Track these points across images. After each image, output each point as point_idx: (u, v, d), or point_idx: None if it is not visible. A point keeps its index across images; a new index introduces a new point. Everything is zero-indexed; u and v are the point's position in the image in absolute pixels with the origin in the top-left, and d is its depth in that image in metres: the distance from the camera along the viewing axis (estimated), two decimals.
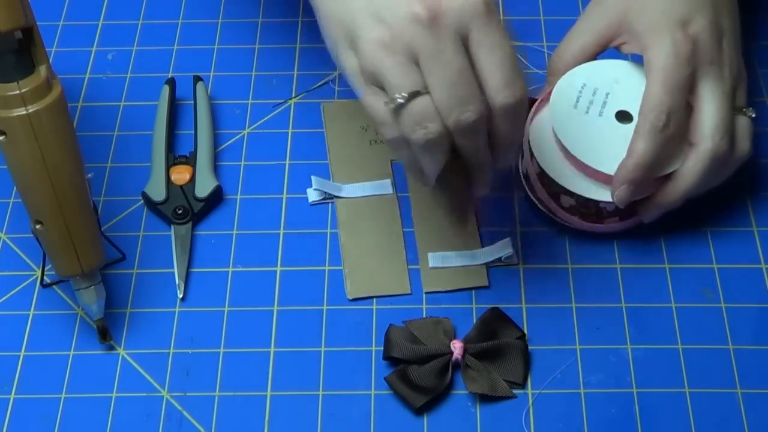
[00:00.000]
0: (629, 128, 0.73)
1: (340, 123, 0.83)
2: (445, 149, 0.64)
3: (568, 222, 0.76)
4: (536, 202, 0.77)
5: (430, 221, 0.78)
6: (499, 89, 0.62)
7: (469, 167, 0.68)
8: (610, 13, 0.75)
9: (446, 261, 0.76)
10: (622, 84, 0.75)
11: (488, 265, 0.76)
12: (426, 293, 0.75)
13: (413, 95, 0.62)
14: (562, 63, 0.77)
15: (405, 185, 0.80)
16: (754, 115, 0.74)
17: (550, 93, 0.76)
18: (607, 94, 0.75)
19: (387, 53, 0.62)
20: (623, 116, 0.74)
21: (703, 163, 0.71)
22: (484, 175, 0.69)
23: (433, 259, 0.76)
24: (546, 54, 0.87)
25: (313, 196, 0.80)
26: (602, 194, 0.73)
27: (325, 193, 0.79)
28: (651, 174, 0.71)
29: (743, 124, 0.73)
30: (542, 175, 0.75)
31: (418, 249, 0.77)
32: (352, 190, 0.80)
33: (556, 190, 0.75)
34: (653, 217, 0.74)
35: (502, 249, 0.75)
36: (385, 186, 0.80)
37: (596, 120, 0.74)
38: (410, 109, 0.62)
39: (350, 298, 0.74)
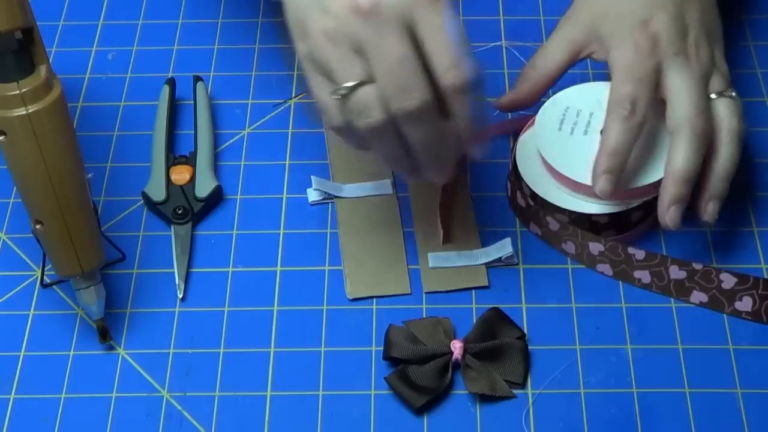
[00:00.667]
0: None
1: None
2: (391, 137, 0.65)
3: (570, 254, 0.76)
4: (538, 232, 0.77)
5: (430, 221, 0.78)
6: (446, 70, 0.63)
7: (423, 162, 0.67)
8: (579, 25, 0.77)
9: (446, 261, 0.76)
10: (605, 104, 0.76)
11: (488, 265, 0.76)
12: (426, 293, 0.75)
13: (356, 85, 0.63)
14: (534, 72, 0.78)
15: (405, 185, 0.80)
16: (734, 94, 0.74)
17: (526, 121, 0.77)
18: (591, 114, 0.76)
19: (331, 44, 0.63)
20: None
21: (684, 144, 0.71)
22: (443, 170, 0.69)
23: (433, 259, 0.76)
24: None
25: (313, 196, 0.80)
26: (593, 207, 0.74)
27: (325, 193, 0.79)
28: (625, 164, 0.71)
29: (725, 104, 0.73)
30: (533, 197, 0.75)
31: (418, 249, 0.77)
32: (352, 190, 0.80)
33: (551, 212, 0.75)
34: (675, 218, 0.72)
35: (502, 249, 0.75)
36: (385, 186, 0.80)
37: (581, 138, 0.75)
38: (354, 99, 0.63)
39: (350, 298, 0.74)
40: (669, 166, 0.71)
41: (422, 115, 0.63)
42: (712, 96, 0.73)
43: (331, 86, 0.64)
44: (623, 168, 0.72)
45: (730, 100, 0.74)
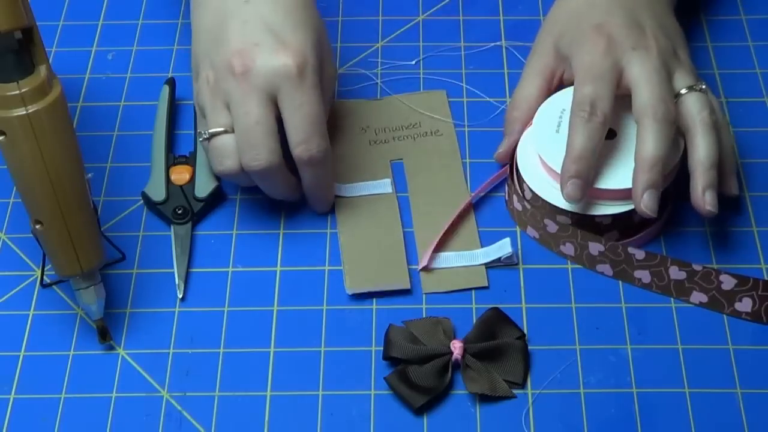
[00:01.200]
0: (613, 143, 0.75)
1: (339, 122, 0.83)
2: (251, 181, 0.75)
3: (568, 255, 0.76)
4: (537, 237, 0.77)
5: (429, 221, 0.78)
6: (297, 144, 0.72)
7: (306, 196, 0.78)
8: (544, 53, 0.79)
9: (445, 261, 0.76)
10: None
11: (487, 266, 0.76)
12: (425, 294, 0.75)
13: (218, 133, 0.73)
14: (518, 111, 0.79)
15: (404, 185, 0.80)
16: (704, 87, 0.74)
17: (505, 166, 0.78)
18: None
19: (210, 92, 0.73)
20: (607, 133, 0.75)
21: (648, 130, 0.71)
22: (319, 206, 0.79)
23: (434, 260, 0.76)
24: None
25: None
26: (596, 209, 0.74)
27: None
28: (592, 167, 0.72)
29: (695, 97, 0.74)
30: (535, 200, 0.75)
31: (417, 249, 0.77)
32: (352, 189, 0.80)
33: (549, 214, 0.75)
34: (650, 204, 0.72)
35: (501, 249, 0.75)
36: (385, 185, 0.80)
37: None
38: (213, 144, 0.73)
39: (349, 293, 0.74)
40: (637, 153, 0.72)
41: (268, 175, 0.73)
42: (683, 91, 0.74)
43: (202, 128, 0.74)
44: (590, 171, 0.72)
45: (699, 93, 0.74)
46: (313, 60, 0.72)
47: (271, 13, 0.73)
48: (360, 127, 0.83)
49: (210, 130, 0.73)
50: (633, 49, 0.73)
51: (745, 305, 0.72)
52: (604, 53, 0.73)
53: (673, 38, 0.77)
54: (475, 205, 0.79)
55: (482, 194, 0.79)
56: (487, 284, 0.75)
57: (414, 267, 0.76)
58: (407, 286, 0.74)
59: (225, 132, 0.73)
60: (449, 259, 0.76)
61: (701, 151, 0.73)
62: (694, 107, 0.73)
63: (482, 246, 0.76)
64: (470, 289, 0.75)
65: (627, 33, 0.74)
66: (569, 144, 0.72)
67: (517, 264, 0.76)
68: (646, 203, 0.71)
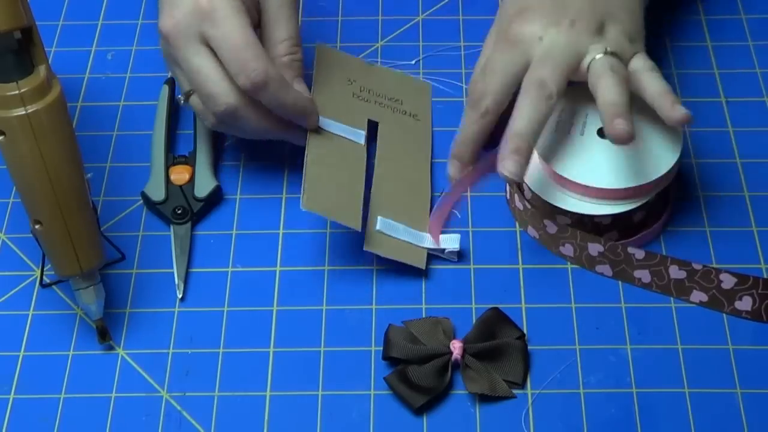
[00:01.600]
0: (611, 143, 0.74)
1: (328, 69, 0.83)
2: (243, 126, 0.76)
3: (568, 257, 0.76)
4: (537, 238, 0.77)
5: (389, 188, 0.78)
6: (236, 76, 0.72)
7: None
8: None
9: (392, 230, 0.76)
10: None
11: (431, 251, 0.76)
12: (365, 250, 0.74)
13: (186, 98, 0.76)
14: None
15: (373, 151, 0.80)
16: (612, 51, 0.74)
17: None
18: (587, 114, 0.76)
19: (169, 61, 0.76)
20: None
21: (526, 104, 0.72)
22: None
23: (381, 223, 0.75)
24: None
25: None
26: (596, 209, 0.74)
27: None
28: (533, 144, 0.72)
29: (600, 62, 0.73)
30: (535, 200, 0.75)
31: (371, 209, 0.76)
32: (328, 123, 0.79)
33: (549, 214, 0.75)
34: (623, 134, 0.71)
35: (448, 242, 0.75)
36: (359, 135, 0.79)
37: (579, 139, 0.75)
38: (191, 105, 0.77)
39: (303, 209, 0.72)
40: (598, 99, 0.71)
41: (236, 114, 0.73)
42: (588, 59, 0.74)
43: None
44: (531, 149, 0.72)
45: (604, 57, 0.73)
46: None
47: None
48: (347, 79, 0.83)
49: (179, 96, 0.77)
50: (553, 25, 0.74)
51: (745, 304, 0.72)
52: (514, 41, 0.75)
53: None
54: (473, 203, 0.79)
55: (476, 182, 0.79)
56: (424, 267, 0.75)
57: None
58: (358, 228, 0.73)
59: (190, 92, 0.75)
60: (397, 230, 0.76)
61: (653, 84, 0.73)
62: (595, 71, 0.73)
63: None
64: (407, 264, 0.74)
65: (587, 15, 0.75)
66: (512, 120, 0.72)
67: (518, 264, 0.76)
68: (507, 167, 0.70)
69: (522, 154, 0.71)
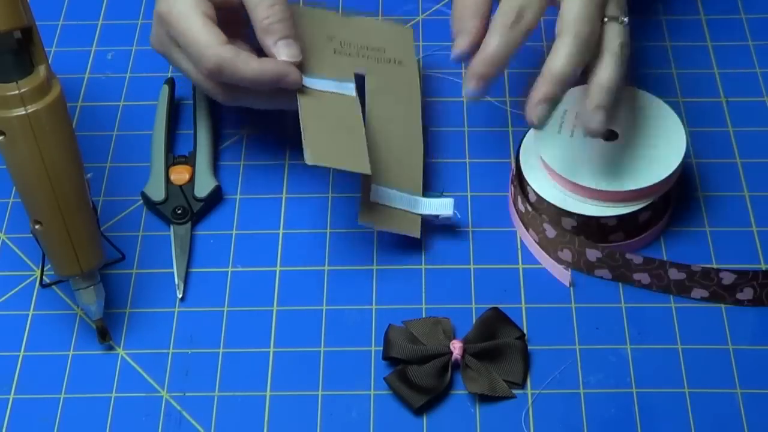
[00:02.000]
0: (614, 145, 0.75)
1: (305, 29, 0.80)
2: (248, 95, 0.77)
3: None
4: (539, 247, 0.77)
5: (381, 149, 0.77)
6: (196, 66, 0.75)
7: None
8: None
9: (387, 198, 0.75)
10: None
11: (425, 218, 0.76)
12: (359, 223, 0.74)
13: (187, 75, 0.77)
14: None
15: (362, 106, 0.79)
16: (626, 20, 0.73)
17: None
18: None
19: (157, 46, 0.79)
20: (609, 134, 0.75)
21: (564, 46, 0.71)
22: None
23: (375, 192, 0.75)
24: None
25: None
26: (601, 210, 0.73)
27: None
28: (499, 74, 0.72)
29: (613, 28, 0.73)
30: (539, 202, 0.75)
31: (362, 178, 0.76)
32: (315, 82, 0.78)
33: (554, 217, 0.75)
34: (542, 116, 0.71)
35: (442, 207, 0.75)
36: (349, 88, 0.78)
37: (582, 141, 0.75)
38: (195, 84, 0.78)
39: (309, 163, 0.71)
40: (546, 65, 0.71)
41: (224, 71, 0.73)
42: (605, 19, 0.73)
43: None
44: (496, 77, 0.72)
45: (619, 26, 0.73)
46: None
47: None
48: (326, 36, 0.82)
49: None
50: None
51: (746, 294, 0.72)
52: None
53: None
54: (474, 204, 0.79)
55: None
56: (419, 236, 0.75)
57: (356, 195, 0.75)
58: (368, 171, 0.73)
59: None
60: (391, 196, 0.76)
61: (603, 75, 0.72)
62: (611, 37, 0.72)
63: (423, 192, 0.77)
64: (401, 234, 0.75)
65: None
66: (484, 44, 0.72)
67: (518, 265, 0.76)
68: (539, 114, 0.71)
69: (488, 80, 0.72)
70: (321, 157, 0.72)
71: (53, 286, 0.74)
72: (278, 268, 0.76)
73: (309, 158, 0.71)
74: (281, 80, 0.75)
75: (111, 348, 0.73)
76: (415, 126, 0.80)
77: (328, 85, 0.78)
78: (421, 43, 0.90)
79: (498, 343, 0.71)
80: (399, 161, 0.78)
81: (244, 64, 0.73)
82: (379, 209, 0.75)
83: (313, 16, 0.83)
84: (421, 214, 0.76)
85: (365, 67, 0.81)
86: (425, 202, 0.76)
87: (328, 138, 0.74)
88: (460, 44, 0.73)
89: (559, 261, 0.75)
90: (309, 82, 0.77)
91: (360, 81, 0.80)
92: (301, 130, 0.73)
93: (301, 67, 0.77)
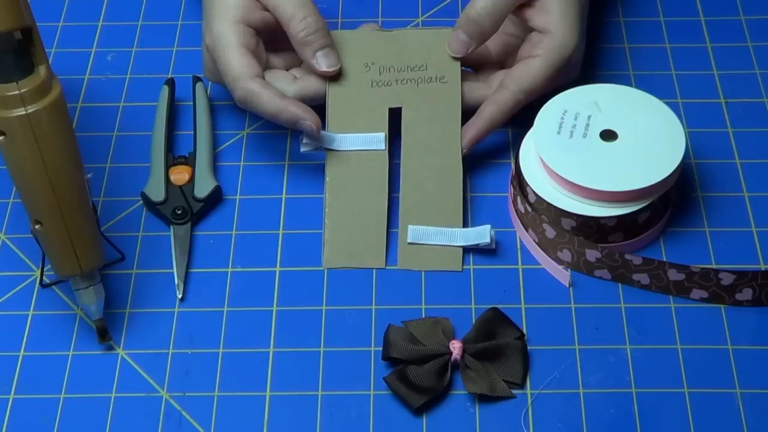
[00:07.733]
0: (615, 145, 0.75)
1: (343, 57, 0.81)
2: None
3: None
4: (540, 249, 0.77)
5: (418, 188, 0.78)
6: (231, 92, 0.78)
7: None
8: None
9: (425, 237, 0.76)
10: (602, 105, 0.76)
11: (465, 249, 0.76)
12: (399, 267, 0.75)
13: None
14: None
15: (398, 144, 0.79)
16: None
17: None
18: (589, 117, 0.76)
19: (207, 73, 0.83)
20: (608, 135, 0.75)
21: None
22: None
23: (412, 234, 0.76)
24: None
25: (305, 146, 0.78)
26: (601, 210, 0.73)
27: (317, 144, 0.78)
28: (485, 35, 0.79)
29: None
30: (539, 203, 0.75)
31: (400, 219, 0.76)
32: (344, 141, 0.79)
33: (553, 217, 0.75)
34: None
35: (480, 236, 0.75)
36: (379, 141, 0.79)
37: (581, 142, 0.75)
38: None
39: (325, 267, 0.75)
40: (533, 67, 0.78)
41: (248, 104, 0.77)
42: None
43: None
44: (481, 40, 0.80)
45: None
46: (212, 36, 0.78)
47: None
48: (364, 64, 0.81)
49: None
50: None
51: (745, 294, 0.72)
52: None
53: None
54: (473, 203, 0.79)
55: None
56: (461, 269, 0.75)
57: (394, 231, 0.76)
58: (383, 265, 0.75)
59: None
60: (429, 234, 0.76)
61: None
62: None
63: (463, 223, 0.77)
64: (444, 271, 0.75)
65: None
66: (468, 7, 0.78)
67: (517, 265, 0.76)
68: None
69: (476, 40, 0.80)
70: (338, 261, 0.76)
71: (53, 286, 0.74)
72: (278, 269, 0.76)
73: (326, 264, 0.75)
74: (298, 124, 0.77)
75: (111, 348, 0.73)
76: (454, 156, 0.79)
77: (357, 142, 0.79)
78: None
79: (497, 343, 0.71)
80: (436, 198, 0.78)
81: (268, 101, 0.76)
82: (417, 249, 0.76)
83: (351, 40, 0.82)
84: (461, 246, 0.76)
85: (403, 98, 0.80)
86: (463, 234, 0.76)
87: (348, 234, 0.76)
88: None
89: (559, 261, 0.75)
90: (338, 142, 0.79)
91: (397, 112, 0.80)
92: (324, 220, 0.77)
93: (334, 117, 0.79)
